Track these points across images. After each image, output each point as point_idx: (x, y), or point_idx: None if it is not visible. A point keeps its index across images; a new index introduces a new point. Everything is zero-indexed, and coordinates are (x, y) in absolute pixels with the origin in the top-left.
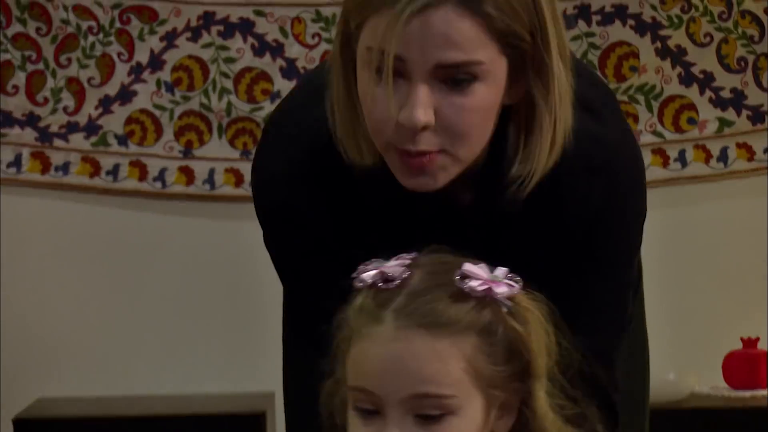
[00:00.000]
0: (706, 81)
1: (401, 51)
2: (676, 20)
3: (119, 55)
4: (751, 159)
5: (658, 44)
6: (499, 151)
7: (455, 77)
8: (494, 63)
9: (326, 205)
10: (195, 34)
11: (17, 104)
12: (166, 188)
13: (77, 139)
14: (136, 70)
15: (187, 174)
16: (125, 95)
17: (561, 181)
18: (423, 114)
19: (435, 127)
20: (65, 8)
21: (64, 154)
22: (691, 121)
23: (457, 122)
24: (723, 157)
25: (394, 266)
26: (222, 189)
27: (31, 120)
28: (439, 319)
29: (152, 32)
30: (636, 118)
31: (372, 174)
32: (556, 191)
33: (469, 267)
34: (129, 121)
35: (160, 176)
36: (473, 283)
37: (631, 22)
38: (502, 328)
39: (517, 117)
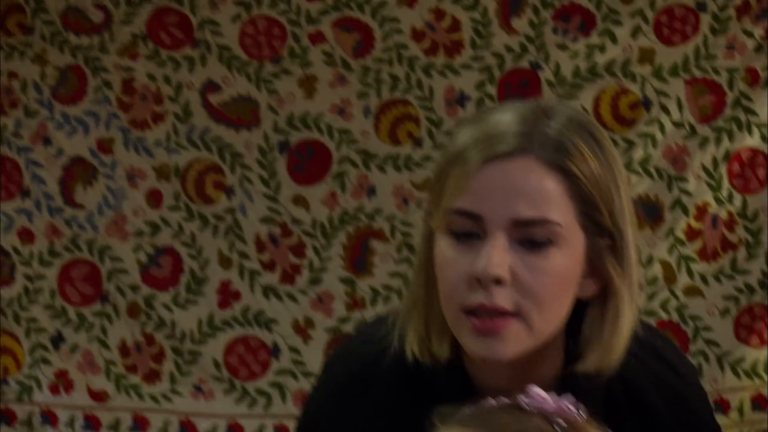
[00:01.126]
0: None
1: (476, 207)
2: None
3: None
4: None
5: None
6: (574, 356)
7: (532, 238)
8: (571, 230)
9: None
10: None
11: None
12: None
13: None
14: None
15: None
16: None
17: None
18: (498, 265)
19: (510, 285)
20: None
21: None
22: None
23: (533, 283)
24: None
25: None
26: None
27: None
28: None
29: None
30: None
31: (439, 378)
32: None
33: (535, 389)
34: None
35: None
36: (530, 397)
37: None
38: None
39: (592, 310)
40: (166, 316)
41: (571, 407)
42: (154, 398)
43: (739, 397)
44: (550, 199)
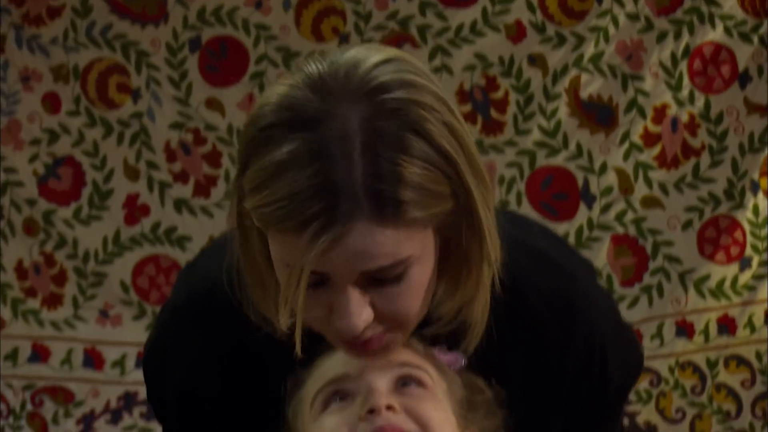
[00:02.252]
0: None
1: (320, 268)
2: (644, 395)
3: None
4: None
5: (626, 421)
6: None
7: (384, 277)
8: (423, 245)
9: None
10: (115, 416)
11: None
12: None
13: None
14: None
15: None
16: None
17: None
18: (360, 319)
19: (375, 318)
20: None
21: None
22: None
23: (397, 310)
24: None
25: None
26: None
27: None
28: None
29: (68, 415)
30: None
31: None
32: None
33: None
34: None
35: None
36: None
37: None
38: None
39: (447, 268)
40: (67, 234)
41: (461, 361)
42: (55, 325)
43: (704, 319)
44: (394, 245)
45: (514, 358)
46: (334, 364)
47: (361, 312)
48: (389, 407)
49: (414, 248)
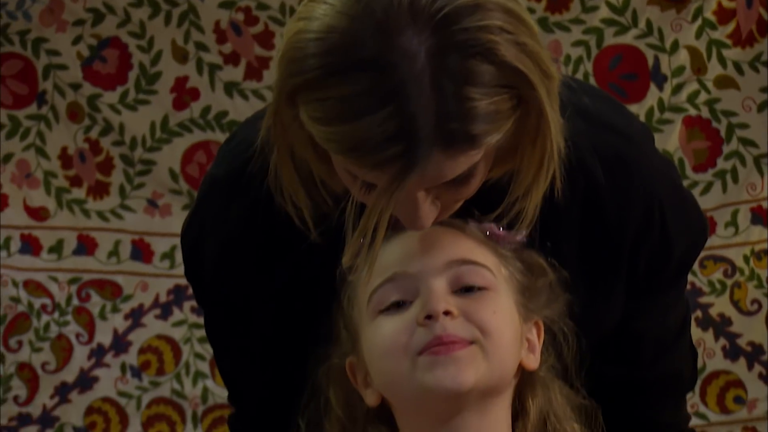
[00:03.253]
0: (754, 354)
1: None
2: (718, 286)
3: (78, 336)
4: None
5: (699, 313)
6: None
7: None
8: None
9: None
10: (165, 311)
11: None
12: None
13: None
14: (98, 353)
15: None
16: (85, 382)
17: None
18: (427, 221)
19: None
20: (15, 284)
21: None
22: (739, 401)
23: (461, 198)
24: None
25: None
26: None
27: None
28: (460, 224)
29: (115, 310)
30: None
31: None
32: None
33: (477, 214)
34: (90, 411)
35: None
36: (483, 225)
37: None
38: (520, 256)
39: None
40: (113, 120)
41: (518, 238)
42: (101, 215)
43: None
44: (469, 162)
45: (572, 228)
46: (392, 260)
47: (429, 211)
48: (447, 312)
49: (482, 152)
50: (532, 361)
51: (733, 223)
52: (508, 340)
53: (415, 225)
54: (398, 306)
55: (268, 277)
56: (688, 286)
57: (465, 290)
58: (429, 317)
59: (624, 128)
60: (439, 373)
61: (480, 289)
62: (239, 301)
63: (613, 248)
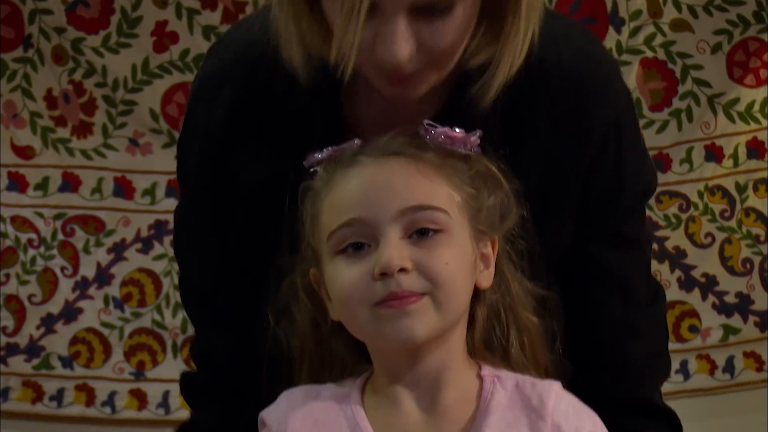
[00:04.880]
0: (708, 285)
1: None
2: (674, 220)
3: (63, 269)
4: (760, 369)
5: (655, 246)
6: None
7: (434, 7)
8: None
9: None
10: (146, 245)
11: None
12: (116, 414)
13: (17, 363)
14: (82, 286)
15: (139, 398)
16: (70, 313)
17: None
18: (405, 46)
19: (418, 51)
20: (2, 220)
21: (3, 378)
22: (693, 329)
23: (441, 44)
24: (729, 367)
25: (347, 143)
26: (178, 413)
27: None
28: (414, 151)
29: (98, 244)
30: None
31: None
32: (535, 103)
33: (429, 121)
34: (74, 341)
35: (109, 401)
36: (438, 131)
37: None
38: (475, 168)
39: (485, 19)
40: (96, 62)
41: (473, 138)
42: (85, 154)
43: (733, 142)
44: None
45: (534, 147)
46: (350, 203)
47: (407, 40)
48: (402, 270)
49: None
50: (486, 279)
51: (687, 159)
52: (460, 285)
53: (391, 52)
54: (355, 248)
55: (250, 164)
56: None
57: (420, 233)
58: (384, 274)
59: (594, 53)
60: (395, 325)
61: (435, 231)
62: (221, 188)
63: (570, 168)
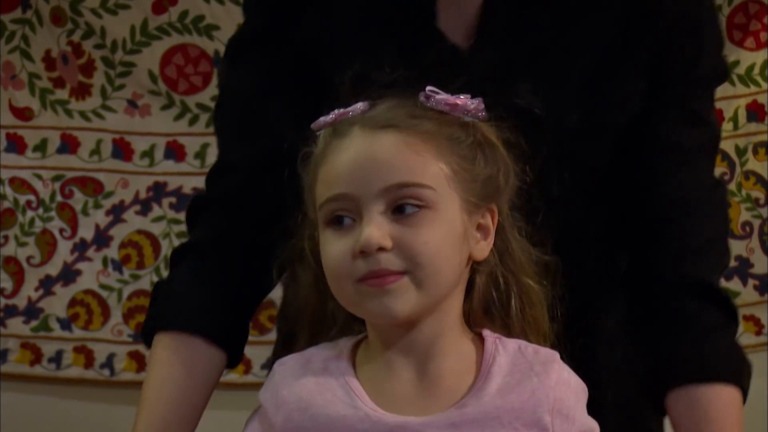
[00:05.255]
0: None
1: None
2: None
3: (61, 231)
4: (759, 333)
5: None
6: None
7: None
8: None
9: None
10: (144, 207)
11: None
12: (115, 376)
13: (15, 324)
14: (80, 248)
15: (138, 360)
16: (68, 275)
17: None
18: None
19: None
20: (1, 181)
21: (2, 340)
22: None
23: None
24: None
25: (352, 106)
26: None
27: None
28: (409, 121)
29: (97, 206)
30: None
31: None
32: None
33: (432, 88)
34: (73, 303)
35: (108, 363)
36: (439, 97)
37: None
38: (472, 137)
39: None
40: (94, 23)
41: (474, 104)
42: (84, 115)
43: (733, 105)
44: None
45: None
46: (340, 178)
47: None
48: (381, 249)
49: None
50: (483, 250)
51: None
52: (443, 262)
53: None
54: (341, 222)
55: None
56: None
57: (402, 210)
58: (363, 252)
59: None
60: (376, 303)
61: (419, 208)
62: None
63: (647, 24)
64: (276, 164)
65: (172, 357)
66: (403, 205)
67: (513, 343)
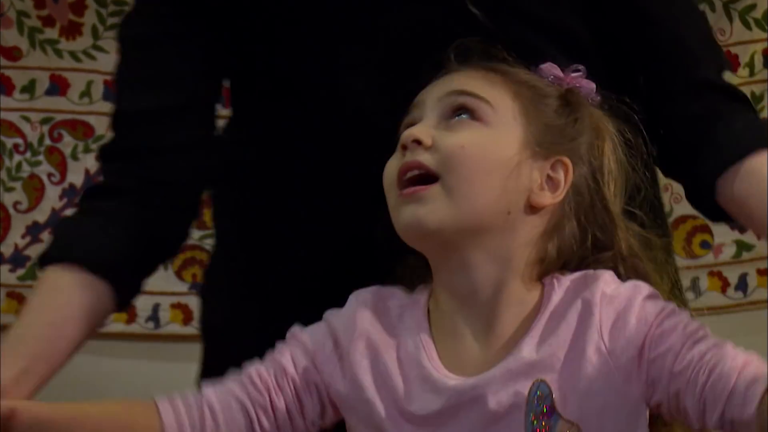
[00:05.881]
0: None
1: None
2: None
3: (50, 176)
4: None
5: None
6: None
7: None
8: None
9: None
10: None
11: None
12: (104, 327)
13: (1, 273)
14: (69, 194)
15: (128, 311)
16: (57, 222)
17: None
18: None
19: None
20: None
21: None
22: (705, 245)
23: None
24: (742, 285)
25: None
26: (168, 327)
27: None
28: (508, 69)
29: (87, 150)
30: None
31: None
32: None
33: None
34: None
35: None
36: (547, 68)
37: None
38: (557, 93)
39: None
40: None
41: (585, 82)
42: (74, 55)
43: (749, 50)
44: None
45: None
46: (423, 92)
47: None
48: (417, 141)
49: None
50: (546, 198)
51: None
52: (476, 177)
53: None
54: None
55: None
56: None
57: (454, 116)
58: (404, 147)
59: None
60: (407, 212)
61: (471, 117)
62: None
63: None
64: (188, 113)
65: (69, 286)
66: (458, 111)
67: (567, 279)
